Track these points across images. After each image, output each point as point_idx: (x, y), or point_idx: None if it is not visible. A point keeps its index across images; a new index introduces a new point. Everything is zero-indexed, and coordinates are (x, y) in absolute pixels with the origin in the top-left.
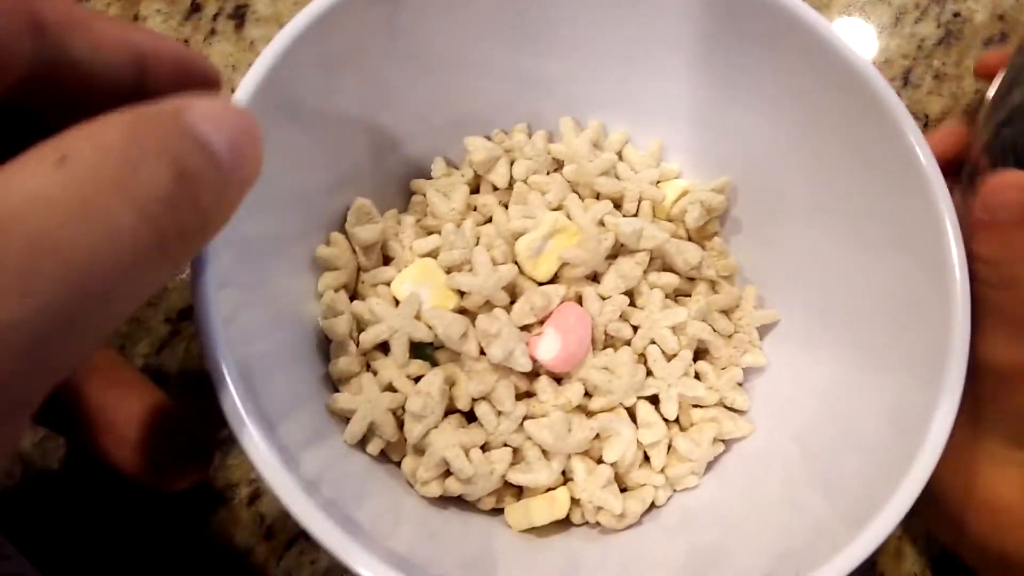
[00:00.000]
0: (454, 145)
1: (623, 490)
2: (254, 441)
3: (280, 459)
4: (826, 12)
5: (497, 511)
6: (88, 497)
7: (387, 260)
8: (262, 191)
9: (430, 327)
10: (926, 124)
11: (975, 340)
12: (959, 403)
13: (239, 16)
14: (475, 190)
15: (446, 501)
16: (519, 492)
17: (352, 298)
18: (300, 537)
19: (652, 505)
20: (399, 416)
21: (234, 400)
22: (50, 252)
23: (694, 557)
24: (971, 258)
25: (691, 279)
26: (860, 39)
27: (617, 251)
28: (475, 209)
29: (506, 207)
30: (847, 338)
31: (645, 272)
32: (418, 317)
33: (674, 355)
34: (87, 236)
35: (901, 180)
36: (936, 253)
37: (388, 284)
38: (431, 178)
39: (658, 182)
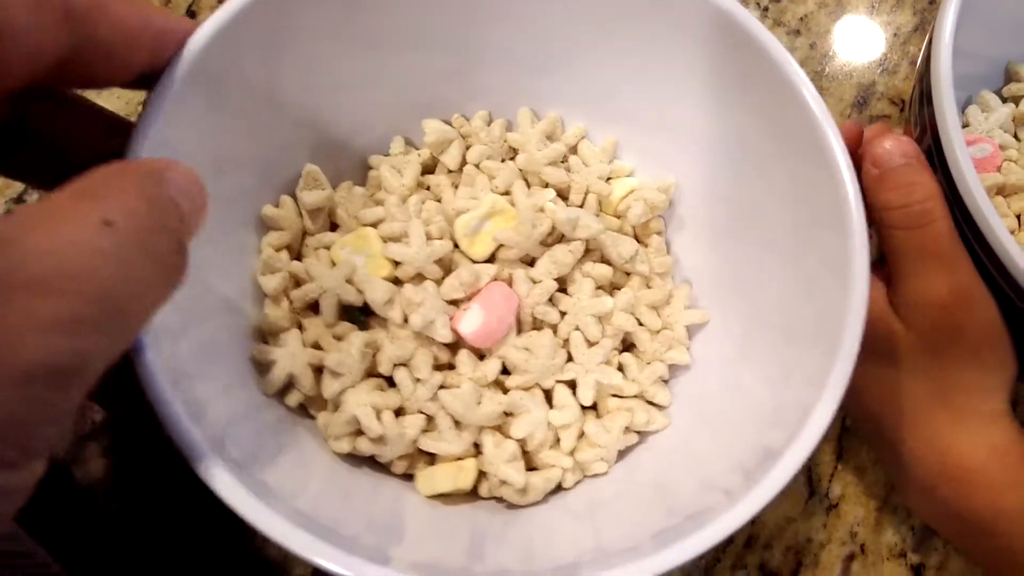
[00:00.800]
0: (416, 127)
1: (532, 469)
2: (159, 395)
3: (184, 413)
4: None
5: (409, 477)
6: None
7: (335, 228)
8: (216, 150)
9: (360, 291)
10: (902, 108)
11: (911, 287)
12: (840, 398)
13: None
14: (431, 171)
15: (359, 461)
16: (432, 460)
17: (297, 260)
18: None
19: (560, 488)
20: (321, 372)
21: (146, 358)
22: (108, 294)
23: (595, 539)
24: (880, 211)
25: (627, 274)
26: (837, 27)
27: (556, 240)
28: (428, 189)
29: (457, 189)
30: (771, 341)
31: (581, 262)
32: (351, 282)
33: (596, 343)
34: (128, 283)
35: (819, 179)
36: (839, 224)
37: (329, 249)
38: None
39: (609, 178)
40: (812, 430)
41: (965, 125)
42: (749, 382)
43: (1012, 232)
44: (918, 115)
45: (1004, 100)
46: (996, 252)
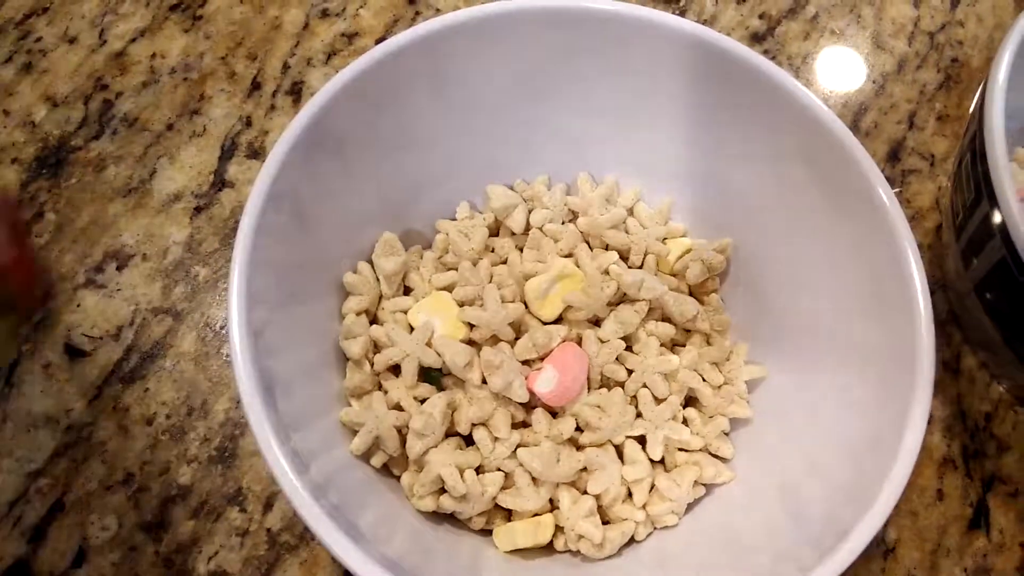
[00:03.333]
0: (479, 191)
1: (605, 523)
2: (271, 446)
3: (292, 464)
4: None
5: (487, 532)
6: None
7: (408, 291)
8: (298, 222)
9: (439, 354)
10: (932, 163)
11: None
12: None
13: (296, 92)
14: (495, 234)
15: (440, 518)
16: (508, 515)
17: (373, 323)
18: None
19: (632, 540)
20: (403, 433)
21: (257, 407)
22: None
23: None
24: None
25: (687, 331)
26: (863, 85)
27: (620, 299)
28: (493, 251)
29: (522, 251)
30: (827, 394)
31: (644, 321)
32: (429, 344)
33: (663, 400)
34: None
35: (871, 231)
36: (904, 303)
37: (406, 312)
38: (455, 219)
39: (665, 239)
40: (884, 504)
41: None
42: (806, 438)
43: None
44: (970, 173)
45: None
46: None
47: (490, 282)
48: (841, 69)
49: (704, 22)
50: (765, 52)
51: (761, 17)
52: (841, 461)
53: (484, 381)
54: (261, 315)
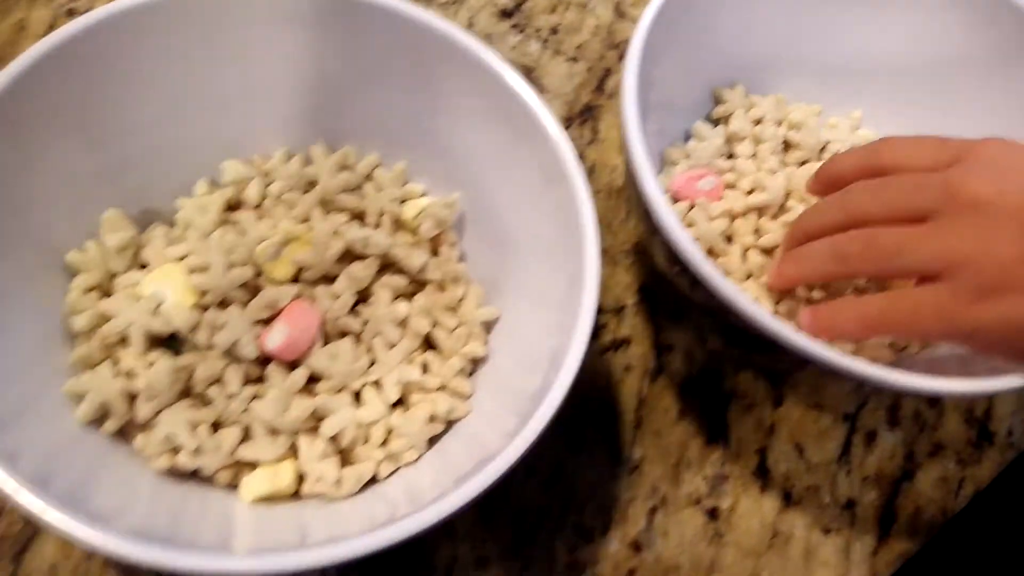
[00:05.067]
0: (219, 168)
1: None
2: None
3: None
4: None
5: (235, 488)
6: None
7: (144, 268)
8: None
9: (167, 321)
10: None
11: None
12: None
13: None
14: (237, 208)
15: (184, 478)
16: (255, 470)
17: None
18: None
19: (375, 480)
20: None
21: None
22: None
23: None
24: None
25: (422, 283)
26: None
27: (355, 258)
28: (235, 225)
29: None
30: (542, 316)
31: (379, 276)
32: (158, 314)
33: (395, 345)
34: None
35: (558, 187)
36: (577, 248)
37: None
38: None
39: (404, 200)
40: (567, 371)
41: (687, 156)
42: (527, 355)
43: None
44: (626, 158)
45: (716, 122)
46: (718, 297)
47: (220, 249)
48: (586, 37)
49: (452, 3)
50: (514, 26)
51: None
52: (541, 354)
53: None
54: None
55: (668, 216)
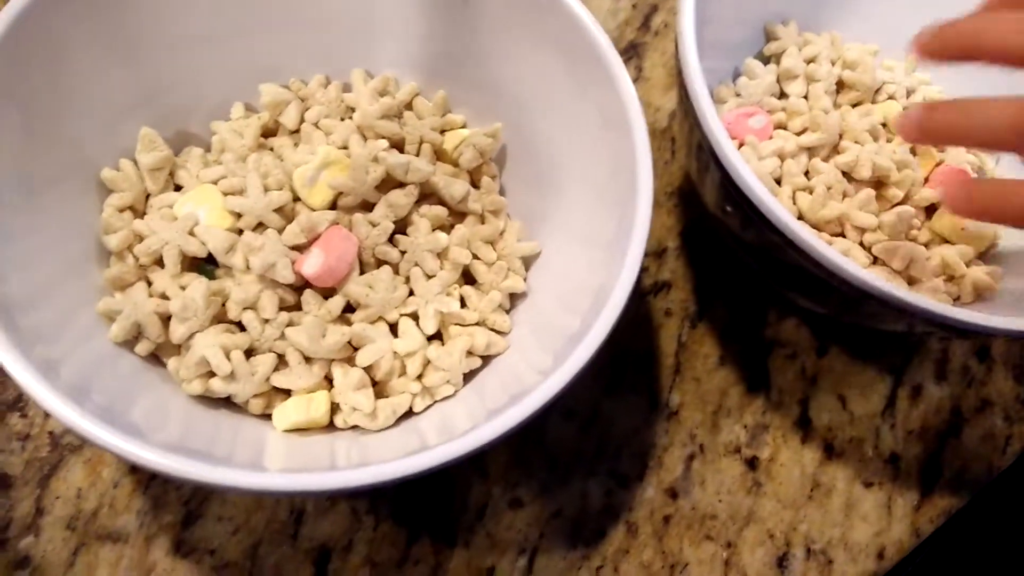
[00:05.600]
0: (256, 93)
1: (386, 398)
2: (14, 365)
3: (41, 376)
4: None
5: (269, 417)
6: None
7: (179, 189)
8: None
9: (203, 242)
10: None
11: None
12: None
13: None
14: (274, 133)
15: (217, 403)
16: (289, 398)
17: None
18: None
19: (412, 413)
20: (168, 321)
21: None
22: None
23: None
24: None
25: (462, 214)
26: None
27: (394, 186)
28: (272, 150)
29: (297, 147)
30: (585, 255)
31: (418, 205)
32: (193, 235)
33: (433, 276)
34: None
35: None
36: (631, 194)
37: (172, 208)
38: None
39: (444, 130)
40: (609, 310)
41: (737, 95)
42: (569, 293)
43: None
44: (681, 94)
45: (767, 60)
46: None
47: (256, 172)
48: None
49: None
50: None
51: None
52: (584, 293)
53: (250, 266)
54: None
55: (731, 151)
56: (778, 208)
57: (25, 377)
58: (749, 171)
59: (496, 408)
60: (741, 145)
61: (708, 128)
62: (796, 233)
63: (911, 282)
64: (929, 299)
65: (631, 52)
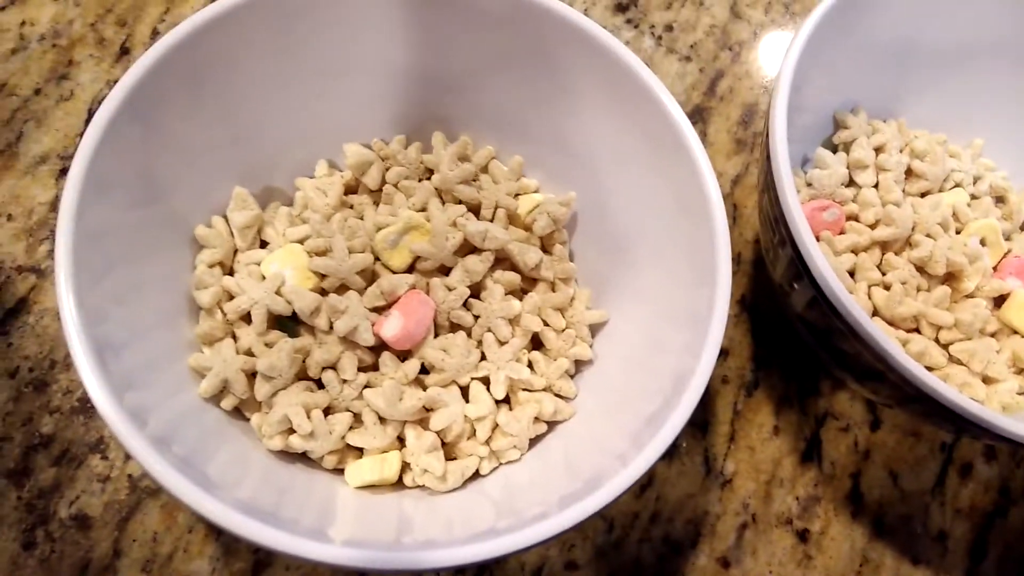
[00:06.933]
0: (339, 151)
1: (454, 460)
2: (105, 408)
3: (129, 422)
4: (691, 31)
5: (340, 472)
6: None
7: (265, 246)
8: (142, 182)
9: (288, 301)
10: None
11: None
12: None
13: None
14: (355, 191)
15: (293, 458)
16: (361, 456)
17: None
18: None
19: (478, 475)
20: (254, 378)
21: (87, 372)
22: None
23: (511, 513)
24: None
25: (534, 280)
26: (724, 53)
27: (469, 251)
28: (352, 208)
29: (377, 207)
30: (657, 330)
31: (492, 271)
32: (280, 294)
33: (506, 342)
34: None
35: (690, 197)
36: (709, 275)
37: (260, 265)
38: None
39: (518, 194)
40: (690, 396)
41: (808, 184)
42: (640, 367)
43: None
44: (765, 172)
45: (835, 148)
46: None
47: (341, 233)
48: (700, 38)
49: None
50: (628, 21)
51: None
52: (660, 374)
53: (332, 327)
54: (94, 278)
55: (811, 242)
56: (857, 310)
57: (115, 421)
58: (834, 276)
59: (572, 493)
60: (816, 239)
61: (792, 221)
62: (873, 337)
63: (987, 381)
64: (986, 408)
65: (696, 116)
